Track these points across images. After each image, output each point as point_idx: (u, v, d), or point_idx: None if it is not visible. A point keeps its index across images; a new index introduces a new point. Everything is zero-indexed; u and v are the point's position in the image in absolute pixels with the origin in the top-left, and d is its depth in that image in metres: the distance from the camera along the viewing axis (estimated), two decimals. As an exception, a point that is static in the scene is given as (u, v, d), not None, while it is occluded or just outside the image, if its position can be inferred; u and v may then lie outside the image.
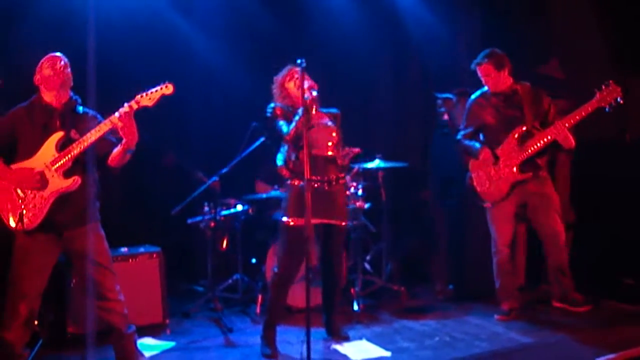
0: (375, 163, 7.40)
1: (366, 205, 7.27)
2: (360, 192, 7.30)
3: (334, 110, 6.09)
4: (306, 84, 5.54)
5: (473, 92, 7.45)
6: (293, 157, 5.69)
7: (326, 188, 5.73)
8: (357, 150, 5.97)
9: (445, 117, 7.77)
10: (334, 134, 5.87)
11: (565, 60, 6.54)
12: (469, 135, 6.67)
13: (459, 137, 6.75)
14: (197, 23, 8.03)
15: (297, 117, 5.51)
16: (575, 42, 6.76)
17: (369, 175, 7.74)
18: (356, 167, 7.44)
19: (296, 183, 5.70)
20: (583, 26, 7.59)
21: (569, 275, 6.54)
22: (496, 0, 8.47)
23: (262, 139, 7.05)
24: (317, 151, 5.71)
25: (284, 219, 5.71)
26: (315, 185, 5.66)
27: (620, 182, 7.33)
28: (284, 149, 5.78)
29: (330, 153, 5.80)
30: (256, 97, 8.14)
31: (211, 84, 8.07)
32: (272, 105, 5.85)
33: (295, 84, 5.77)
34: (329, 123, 5.92)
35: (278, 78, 5.95)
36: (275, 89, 5.96)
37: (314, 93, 5.55)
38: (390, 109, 8.91)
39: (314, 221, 5.52)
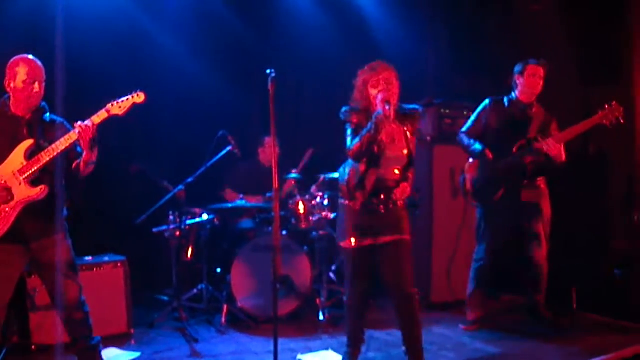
0: (342, 173, 7.40)
1: (332, 215, 7.27)
2: (326, 202, 7.31)
3: (413, 107, 5.39)
4: (380, 97, 5.07)
5: (439, 103, 7.54)
6: (356, 180, 5.22)
7: (382, 210, 5.21)
8: None
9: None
10: (405, 151, 5.24)
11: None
12: (471, 132, 6.69)
13: (463, 130, 6.75)
14: (165, 29, 7.99)
15: (363, 132, 5.08)
16: (541, 53, 6.83)
17: (335, 185, 7.73)
18: (322, 176, 7.45)
19: (350, 204, 5.30)
20: (549, 39, 7.68)
21: (542, 292, 6.62)
22: (464, 12, 8.54)
23: (228, 148, 7.03)
24: (383, 172, 5.19)
25: (343, 242, 5.33)
26: (369, 207, 5.22)
27: (582, 192, 7.43)
28: (348, 163, 5.35)
29: (396, 172, 5.23)
30: (224, 104, 8.15)
31: (178, 91, 8.03)
32: (345, 108, 5.35)
33: (378, 92, 5.16)
34: (402, 135, 5.26)
35: (360, 78, 5.36)
36: (356, 89, 5.37)
37: (387, 106, 4.97)
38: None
39: (371, 241, 5.23)
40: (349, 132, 5.27)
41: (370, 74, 5.29)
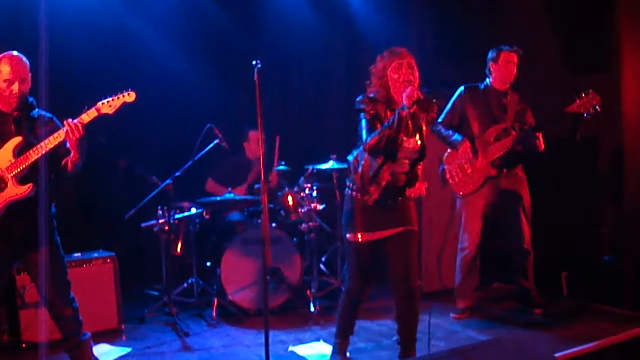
0: (330, 164, 7.40)
1: (321, 207, 7.27)
2: (314, 193, 7.31)
3: (429, 97, 4.94)
4: (407, 92, 4.76)
5: (424, 92, 7.50)
6: (371, 173, 5.02)
7: (392, 205, 5.10)
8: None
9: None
10: (418, 143, 5.08)
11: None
12: (447, 122, 6.69)
13: (439, 120, 6.70)
14: (151, 23, 7.96)
15: (384, 127, 4.83)
16: (527, 41, 6.83)
17: (323, 176, 7.74)
18: (310, 168, 7.45)
19: (362, 198, 5.10)
20: (535, 26, 7.68)
21: (532, 279, 6.64)
22: (449, 1, 8.53)
23: (215, 141, 7.01)
24: (396, 167, 5.05)
25: (350, 235, 5.19)
26: (382, 202, 5.07)
27: (568, 180, 7.45)
28: (362, 155, 5.12)
29: (406, 165, 5.08)
30: (210, 98, 8.14)
31: (165, 85, 7.96)
32: (361, 97, 5.07)
33: (401, 77, 4.94)
34: (418, 126, 5.07)
35: (380, 63, 5.08)
36: (374, 76, 5.11)
37: (413, 104, 4.74)
38: (344, 110, 8.93)
39: (378, 235, 5.13)
40: (363, 123, 4.99)
41: (391, 59, 5.02)
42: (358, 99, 5.08)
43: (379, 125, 4.93)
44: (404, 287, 5.21)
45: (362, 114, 5.03)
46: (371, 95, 5.09)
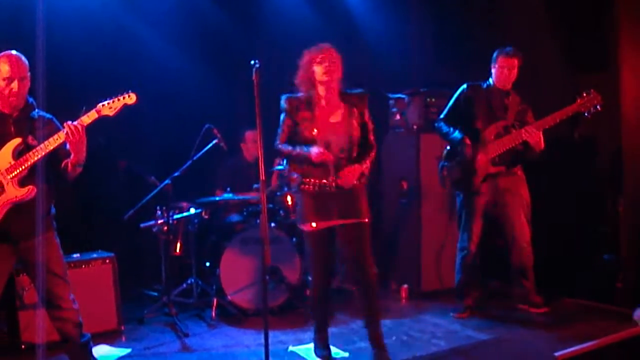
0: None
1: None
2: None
3: (358, 91, 5.49)
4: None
5: (424, 92, 7.51)
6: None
7: (334, 191, 5.27)
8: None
9: (398, 117, 7.80)
10: (347, 132, 5.33)
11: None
12: (448, 118, 6.70)
13: (441, 116, 6.77)
14: (149, 24, 7.94)
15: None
16: (527, 41, 6.83)
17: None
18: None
19: (305, 188, 5.32)
20: (535, 26, 7.68)
21: (531, 279, 6.65)
22: (449, 1, 8.53)
23: (214, 141, 6.99)
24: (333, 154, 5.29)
25: (304, 225, 5.38)
26: (321, 188, 5.30)
27: (568, 179, 7.45)
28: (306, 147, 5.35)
29: (342, 155, 5.30)
30: (209, 98, 8.11)
31: (163, 85, 7.92)
32: (285, 96, 5.47)
33: (322, 69, 5.30)
34: (346, 116, 5.38)
35: (306, 57, 5.44)
36: (300, 68, 5.46)
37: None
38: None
39: (331, 223, 5.31)
40: (281, 121, 5.46)
41: (316, 52, 5.37)
42: (282, 98, 5.48)
43: (290, 123, 5.41)
44: (359, 277, 5.43)
45: (282, 112, 5.47)
46: (297, 95, 5.46)
